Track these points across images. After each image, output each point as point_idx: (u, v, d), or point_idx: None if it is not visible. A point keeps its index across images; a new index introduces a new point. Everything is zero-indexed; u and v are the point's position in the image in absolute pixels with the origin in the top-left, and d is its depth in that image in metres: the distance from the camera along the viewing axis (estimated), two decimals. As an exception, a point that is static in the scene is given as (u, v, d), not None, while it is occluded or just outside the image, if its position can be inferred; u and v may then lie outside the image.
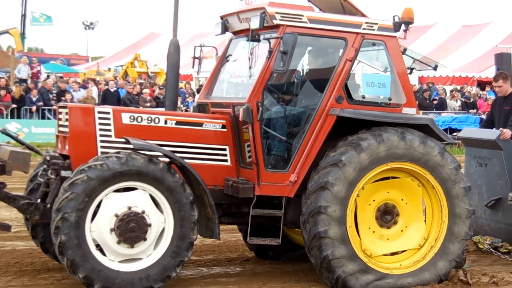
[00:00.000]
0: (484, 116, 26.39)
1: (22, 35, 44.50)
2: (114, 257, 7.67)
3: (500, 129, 10.03)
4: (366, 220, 8.33)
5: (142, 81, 33.41)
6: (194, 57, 9.29)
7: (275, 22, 8.13)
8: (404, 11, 8.50)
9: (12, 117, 25.13)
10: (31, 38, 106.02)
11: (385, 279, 8.17)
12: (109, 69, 46.40)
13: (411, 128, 8.32)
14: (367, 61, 8.85)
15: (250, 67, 8.53)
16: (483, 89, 32.19)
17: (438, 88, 32.32)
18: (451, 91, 31.82)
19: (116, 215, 7.61)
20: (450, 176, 8.35)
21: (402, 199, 8.47)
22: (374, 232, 8.39)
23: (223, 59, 9.29)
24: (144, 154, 7.73)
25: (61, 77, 32.06)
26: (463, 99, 30.82)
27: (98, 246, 7.65)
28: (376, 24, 8.44)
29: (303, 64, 9.08)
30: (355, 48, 8.34)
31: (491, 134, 10.09)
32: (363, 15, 8.64)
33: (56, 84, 27.95)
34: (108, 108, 8.25)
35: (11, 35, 38.78)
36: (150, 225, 7.70)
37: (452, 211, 8.43)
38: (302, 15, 8.24)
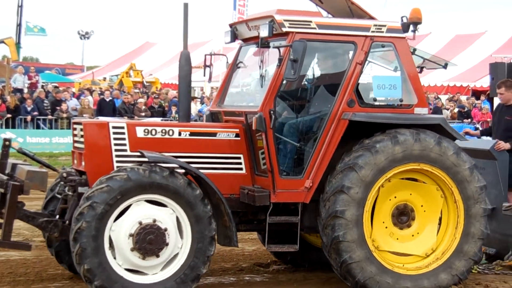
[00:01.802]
0: (478, 126, 26.50)
1: (18, 45, 44.45)
2: (123, 262, 7.64)
3: (496, 140, 10.04)
4: (382, 213, 8.37)
5: (137, 90, 33.37)
6: (205, 66, 9.31)
7: (284, 29, 8.15)
8: (412, 11, 8.51)
9: (7, 126, 25.08)
10: (26, 48, 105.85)
11: (385, 276, 8.16)
12: (104, 79, 46.39)
13: (423, 128, 8.31)
14: (377, 61, 8.85)
15: (261, 75, 8.54)
16: (478, 98, 32.19)
17: (430, 98, 32.29)
18: (446, 100, 31.80)
19: (140, 223, 7.62)
20: (474, 194, 8.43)
21: (422, 205, 8.49)
22: (386, 227, 8.42)
23: (234, 66, 9.30)
24: (183, 178, 7.74)
25: (56, 87, 32.03)
26: (457, 109, 30.81)
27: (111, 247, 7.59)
28: (385, 26, 8.45)
29: (314, 69, 9.09)
30: (364, 51, 8.36)
31: (485, 144, 10.10)
32: (371, 18, 8.65)
33: (51, 94, 27.91)
34: (122, 123, 8.25)
35: (6, 45, 38.77)
36: (167, 244, 7.70)
37: (467, 230, 8.48)
38: (311, 21, 8.25)
